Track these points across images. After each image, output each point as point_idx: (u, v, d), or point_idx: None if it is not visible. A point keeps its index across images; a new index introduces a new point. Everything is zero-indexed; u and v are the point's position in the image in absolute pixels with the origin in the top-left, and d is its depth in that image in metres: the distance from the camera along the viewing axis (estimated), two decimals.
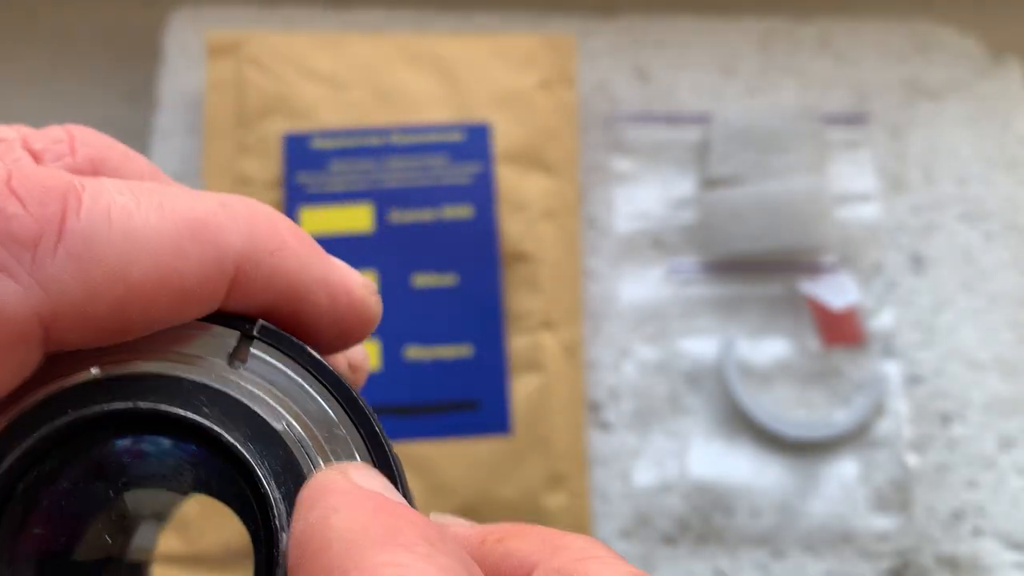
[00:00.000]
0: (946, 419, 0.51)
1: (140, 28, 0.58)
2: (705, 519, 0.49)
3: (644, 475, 0.50)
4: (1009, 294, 0.53)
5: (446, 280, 0.50)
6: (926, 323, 0.52)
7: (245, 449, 0.18)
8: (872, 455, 0.50)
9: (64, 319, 0.18)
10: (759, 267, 0.52)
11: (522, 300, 0.50)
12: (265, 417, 0.19)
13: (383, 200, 0.51)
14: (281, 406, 0.19)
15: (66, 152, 0.21)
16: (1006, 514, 0.49)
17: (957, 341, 0.52)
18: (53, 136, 0.21)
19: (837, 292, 0.51)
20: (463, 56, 0.53)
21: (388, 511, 0.17)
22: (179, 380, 0.19)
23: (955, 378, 0.51)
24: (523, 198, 0.51)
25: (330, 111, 0.52)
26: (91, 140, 0.22)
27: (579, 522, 0.48)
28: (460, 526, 0.21)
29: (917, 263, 0.53)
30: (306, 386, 0.20)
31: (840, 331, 0.51)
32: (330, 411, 0.20)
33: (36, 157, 0.21)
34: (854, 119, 0.55)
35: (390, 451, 0.20)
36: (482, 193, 0.51)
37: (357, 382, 0.25)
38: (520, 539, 0.19)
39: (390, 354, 0.49)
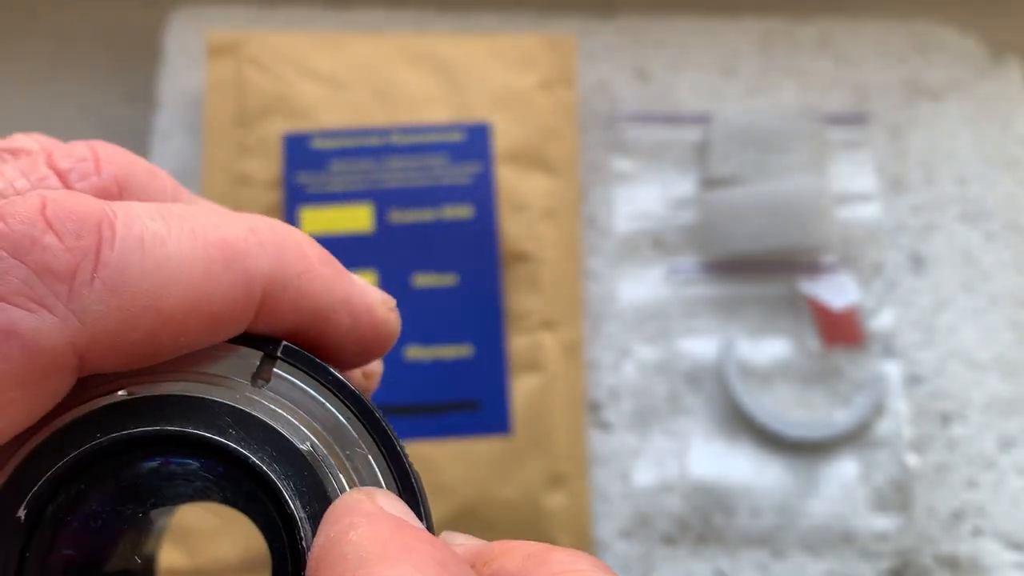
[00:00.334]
0: (946, 419, 0.51)
1: (140, 28, 0.58)
2: (705, 519, 0.49)
3: (644, 475, 0.50)
4: (1009, 294, 0.53)
5: (446, 280, 0.50)
6: (926, 323, 0.52)
7: (270, 470, 0.19)
8: (872, 455, 0.50)
9: (98, 348, 0.18)
10: (759, 267, 0.52)
11: (522, 300, 0.50)
12: (289, 437, 0.19)
13: (383, 200, 0.51)
14: (304, 426, 0.20)
15: (92, 171, 0.21)
16: (1006, 514, 0.49)
17: (957, 341, 0.52)
18: (78, 154, 0.21)
19: (837, 292, 0.51)
20: (463, 56, 0.53)
21: (406, 532, 0.17)
22: (204, 401, 0.19)
23: (955, 378, 0.51)
24: (523, 198, 0.51)
25: (330, 111, 0.52)
26: (116, 158, 0.22)
27: (579, 522, 0.48)
28: (463, 547, 0.21)
29: (917, 263, 0.53)
30: (329, 406, 0.20)
31: (840, 331, 0.51)
32: (353, 431, 0.20)
33: (62, 176, 0.21)
34: (854, 119, 0.55)
35: (412, 472, 0.20)
36: (482, 193, 0.51)
37: (370, 388, 0.26)
38: (506, 557, 0.19)
39: (390, 354, 0.48)
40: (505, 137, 0.52)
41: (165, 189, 0.22)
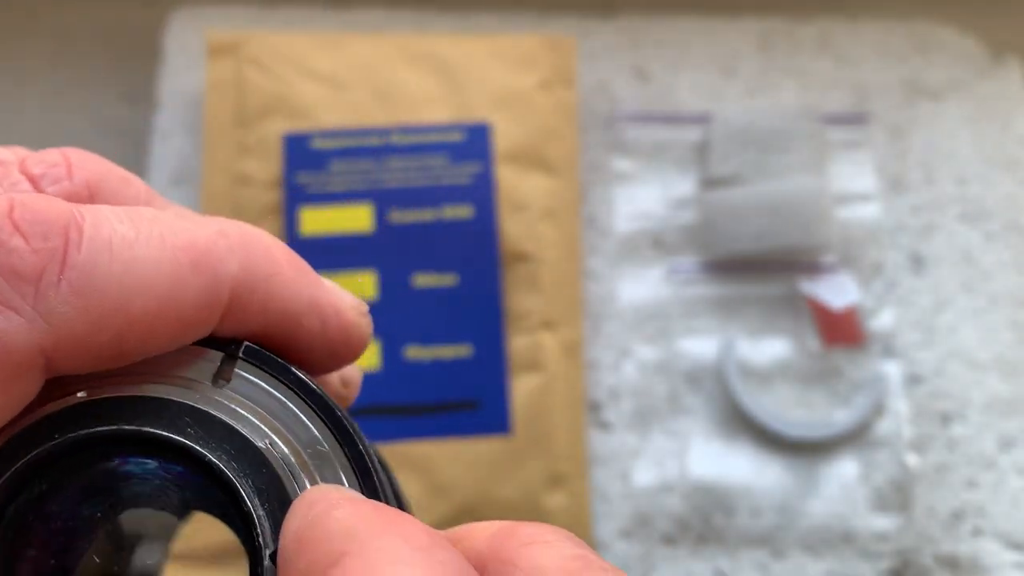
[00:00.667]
0: (946, 419, 0.51)
1: (140, 28, 0.58)
2: (705, 519, 0.49)
3: (644, 475, 0.50)
4: (1009, 294, 0.53)
5: (446, 280, 0.50)
6: (926, 323, 0.52)
7: (227, 468, 0.19)
8: (872, 455, 0.50)
9: (65, 350, 0.18)
10: (759, 267, 0.52)
11: (522, 300, 0.50)
12: (248, 436, 0.19)
13: (383, 200, 0.51)
14: (264, 424, 0.20)
15: (63, 176, 0.21)
16: (1006, 514, 0.49)
17: (957, 341, 0.52)
18: (50, 160, 0.21)
19: (837, 292, 0.51)
20: (463, 56, 0.53)
21: (388, 511, 0.18)
22: (165, 401, 0.19)
23: (955, 378, 0.51)
24: (523, 198, 0.51)
25: (330, 111, 0.52)
26: (88, 163, 0.22)
27: (579, 522, 0.48)
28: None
29: (917, 263, 0.53)
30: (290, 405, 0.20)
31: (840, 331, 0.51)
32: (314, 429, 0.20)
33: (34, 181, 0.21)
34: (854, 119, 0.55)
35: (376, 470, 0.20)
36: (482, 193, 0.51)
37: (349, 397, 0.25)
38: (473, 537, 0.19)
39: (390, 354, 0.49)
40: (505, 137, 0.52)
41: (138, 195, 0.22)
